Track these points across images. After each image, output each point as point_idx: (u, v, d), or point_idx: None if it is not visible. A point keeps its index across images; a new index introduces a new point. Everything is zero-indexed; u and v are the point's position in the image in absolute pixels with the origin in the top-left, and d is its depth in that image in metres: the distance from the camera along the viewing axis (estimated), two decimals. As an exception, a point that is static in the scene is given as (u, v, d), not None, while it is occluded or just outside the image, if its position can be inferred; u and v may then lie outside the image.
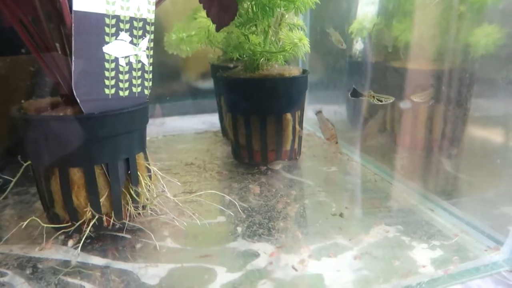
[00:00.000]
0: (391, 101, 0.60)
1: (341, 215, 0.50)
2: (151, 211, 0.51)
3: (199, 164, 0.70)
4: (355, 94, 0.62)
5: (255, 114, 0.65)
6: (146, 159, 0.51)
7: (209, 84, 1.00)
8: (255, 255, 0.43)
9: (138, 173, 0.49)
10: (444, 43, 0.63)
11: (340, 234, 0.47)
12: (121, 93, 0.46)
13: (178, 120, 1.03)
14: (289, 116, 0.65)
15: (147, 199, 0.50)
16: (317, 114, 0.64)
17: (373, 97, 0.59)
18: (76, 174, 0.46)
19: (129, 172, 0.48)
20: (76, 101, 0.43)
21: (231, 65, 0.76)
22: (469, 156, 0.58)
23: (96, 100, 0.44)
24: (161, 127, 0.96)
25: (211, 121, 0.99)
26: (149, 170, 0.51)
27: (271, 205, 0.54)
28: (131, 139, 0.48)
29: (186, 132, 0.92)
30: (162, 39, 0.77)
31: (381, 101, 0.59)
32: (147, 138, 0.87)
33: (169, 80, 1.08)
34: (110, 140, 0.46)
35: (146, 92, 0.50)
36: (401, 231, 0.47)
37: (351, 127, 0.82)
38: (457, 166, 0.59)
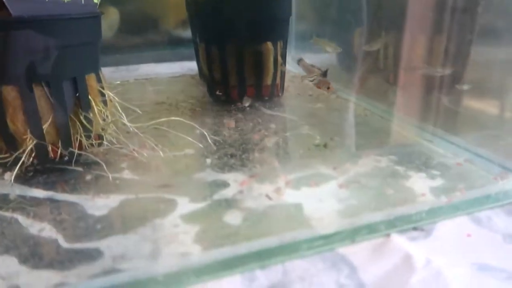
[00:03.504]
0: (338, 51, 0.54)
1: (325, 145, 0.44)
2: (108, 142, 0.44)
3: (170, 103, 0.62)
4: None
5: (231, 43, 0.57)
6: (100, 81, 0.43)
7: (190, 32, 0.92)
8: (224, 185, 0.37)
9: (90, 97, 0.42)
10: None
11: (324, 164, 0.40)
12: (62, -4, 0.38)
13: (153, 66, 0.94)
14: (270, 45, 0.58)
15: (102, 128, 0.43)
16: (299, 63, 0.57)
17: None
18: (10, 94, 0.38)
19: (77, 95, 0.41)
20: (3, 3, 0.35)
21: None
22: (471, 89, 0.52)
23: (27, 2, 0.36)
24: (134, 72, 0.88)
25: (189, 66, 0.91)
26: (103, 95, 0.43)
27: (246, 138, 0.47)
28: (78, 55, 0.40)
29: (160, 76, 0.84)
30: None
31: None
32: (117, 82, 0.80)
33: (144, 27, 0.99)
34: (49, 53, 0.38)
35: (95, 0, 0.41)
36: (394, 161, 0.41)
37: (341, 69, 0.75)
38: (457, 99, 0.52)
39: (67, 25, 0.39)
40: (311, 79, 0.55)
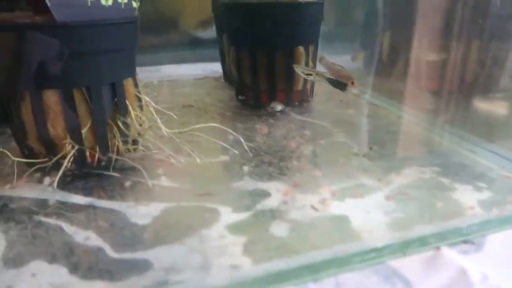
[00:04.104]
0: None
1: (365, 155, 0.43)
2: (144, 147, 0.43)
3: (198, 106, 0.62)
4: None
5: (262, 47, 0.56)
6: (136, 86, 0.43)
7: (210, 32, 0.91)
8: (265, 194, 0.36)
9: (127, 102, 0.42)
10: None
11: (366, 174, 0.39)
12: (103, 1, 0.38)
13: (175, 67, 0.94)
14: (301, 50, 0.57)
15: (139, 133, 0.43)
16: (321, 62, 0.56)
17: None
18: (51, 99, 0.38)
19: (115, 100, 0.40)
20: (48, 9, 0.35)
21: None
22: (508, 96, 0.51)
23: (72, 6, 0.36)
24: (155, 74, 0.88)
25: (212, 68, 0.90)
26: (139, 100, 0.43)
27: (282, 145, 0.46)
28: (117, 60, 0.40)
29: (183, 78, 0.83)
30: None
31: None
32: (141, 83, 0.80)
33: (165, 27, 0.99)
34: (90, 58, 0.38)
35: (135, 4, 0.41)
36: (438, 172, 0.40)
37: (368, 72, 0.73)
38: (497, 107, 0.51)
39: (108, 31, 0.38)
40: (306, 72, 0.53)
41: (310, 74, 0.52)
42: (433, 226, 0.32)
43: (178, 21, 1.02)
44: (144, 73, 0.94)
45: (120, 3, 0.40)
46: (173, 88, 0.75)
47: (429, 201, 0.35)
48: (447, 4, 0.57)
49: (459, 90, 0.56)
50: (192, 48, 1.02)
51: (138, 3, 0.42)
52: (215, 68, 0.86)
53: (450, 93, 0.56)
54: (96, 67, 0.38)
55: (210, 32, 0.96)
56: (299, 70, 0.53)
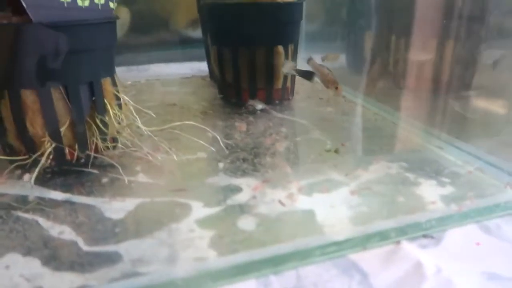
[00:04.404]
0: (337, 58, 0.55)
1: (336, 151, 0.45)
2: (122, 144, 0.44)
3: (182, 105, 0.63)
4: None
5: (243, 46, 0.57)
6: (115, 85, 0.44)
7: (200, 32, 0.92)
8: (237, 189, 0.37)
9: (105, 100, 0.43)
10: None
11: (335, 170, 0.41)
12: (79, 2, 0.39)
13: (164, 66, 0.95)
14: (280, 49, 0.58)
15: (117, 131, 0.44)
16: (309, 63, 0.57)
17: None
18: (29, 97, 0.39)
19: (93, 98, 0.42)
20: (24, 9, 0.36)
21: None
22: (480, 95, 0.52)
23: (48, 8, 0.37)
24: (144, 73, 0.89)
25: (200, 67, 0.91)
26: (118, 98, 0.44)
27: (258, 142, 0.48)
28: (95, 59, 0.41)
29: (171, 77, 0.84)
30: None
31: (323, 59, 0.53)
32: (128, 82, 0.81)
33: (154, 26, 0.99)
34: (68, 58, 0.39)
35: (112, 5, 0.42)
36: (404, 167, 0.41)
37: (350, 71, 0.75)
38: (467, 106, 0.52)
39: (85, 31, 0.39)
40: (325, 83, 0.55)
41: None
42: (394, 221, 0.33)
43: (168, 20, 1.03)
44: (133, 72, 0.96)
45: (97, 4, 0.41)
46: (159, 87, 0.76)
47: (392, 196, 0.36)
48: (425, 5, 0.58)
49: (432, 88, 0.57)
50: (182, 47, 1.03)
51: (116, 4, 0.43)
52: (203, 67, 0.87)
53: (423, 91, 0.57)
54: (73, 66, 0.40)
55: (199, 32, 0.97)
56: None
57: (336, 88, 0.54)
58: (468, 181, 0.39)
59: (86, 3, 0.39)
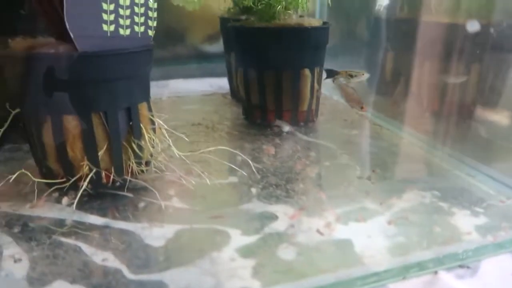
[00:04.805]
0: (365, 78, 0.56)
1: (368, 178, 0.45)
2: (156, 168, 0.45)
3: (207, 125, 0.64)
4: (331, 74, 0.57)
5: (270, 69, 0.58)
6: (150, 110, 0.45)
7: (217, 47, 0.93)
8: (273, 217, 0.38)
9: (141, 125, 0.44)
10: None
11: (368, 198, 0.41)
12: (121, 31, 0.40)
13: (183, 82, 0.96)
14: (307, 72, 0.59)
15: (151, 155, 0.45)
16: (334, 81, 0.58)
17: (346, 72, 0.54)
18: (71, 123, 0.40)
19: (130, 123, 0.43)
20: (71, 39, 0.37)
21: (243, 17, 0.69)
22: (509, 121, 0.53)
23: (93, 37, 0.38)
24: (164, 89, 0.90)
25: (219, 84, 0.92)
26: (153, 123, 0.45)
27: (288, 167, 0.48)
28: (133, 85, 0.42)
29: (192, 94, 0.85)
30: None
31: (351, 76, 0.54)
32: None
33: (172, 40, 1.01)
34: (108, 85, 0.40)
35: (150, 33, 0.43)
36: (437, 196, 0.42)
37: (372, 91, 0.75)
38: (497, 130, 0.53)
39: (125, 59, 0.41)
40: (350, 103, 0.55)
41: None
42: (432, 251, 0.33)
43: (185, 35, 1.04)
44: (152, 88, 0.97)
45: (137, 32, 0.42)
46: (181, 104, 0.77)
47: (428, 226, 0.37)
48: (449, 29, 0.59)
49: (459, 112, 0.58)
50: (199, 62, 1.04)
51: (154, 32, 0.44)
52: (222, 83, 0.88)
53: (450, 115, 0.58)
54: (113, 93, 0.41)
55: (217, 47, 0.98)
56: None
57: (362, 108, 0.55)
58: (501, 211, 0.39)
59: (128, 32, 0.41)
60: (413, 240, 0.35)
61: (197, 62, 1.03)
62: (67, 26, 0.37)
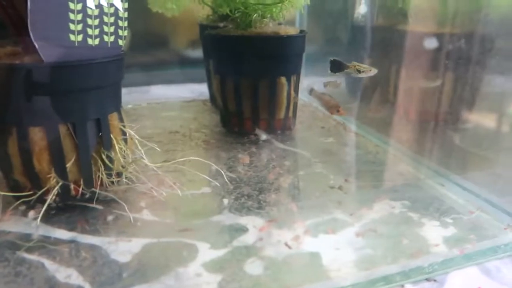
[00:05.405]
0: (372, 73, 0.55)
1: (340, 187, 0.45)
2: (127, 179, 0.45)
3: (184, 133, 0.64)
4: (337, 67, 0.54)
5: (246, 77, 0.58)
6: (121, 120, 0.45)
7: (199, 52, 0.93)
8: (243, 230, 0.38)
9: (112, 136, 0.43)
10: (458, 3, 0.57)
11: (339, 208, 0.41)
12: (90, 41, 0.40)
13: (164, 88, 0.96)
14: (283, 80, 0.59)
15: (122, 166, 0.44)
16: (311, 94, 0.58)
17: (355, 67, 0.53)
18: (37, 134, 0.39)
19: (100, 134, 0.42)
20: (36, 48, 0.37)
21: (221, 25, 0.69)
22: (482, 129, 0.53)
23: (59, 47, 0.38)
24: (145, 95, 0.89)
25: (200, 90, 0.92)
26: (124, 133, 0.45)
27: (261, 176, 0.48)
28: (103, 96, 0.42)
29: (172, 100, 0.85)
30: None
31: (359, 71, 0.53)
32: (129, 106, 0.82)
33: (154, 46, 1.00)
34: (76, 96, 0.39)
35: (121, 42, 0.43)
36: (408, 206, 0.42)
37: (350, 98, 0.76)
38: (469, 139, 0.53)
39: (94, 69, 0.40)
40: (328, 109, 0.54)
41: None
42: (399, 265, 0.34)
43: (168, 40, 1.04)
44: (134, 94, 0.96)
45: (107, 42, 0.41)
46: (160, 111, 0.77)
47: (396, 238, 0.37)
48: (423, 37, 0.60)
49: (434, 120, 0.58)
50: (182, 67, 1.03)
51: (124, 41, 0.43)
52: (204, 89, 0.88)
53: (425, 124, 0.58)
54: (81, 104, 0.40)
55: (199, 52, 0.98)
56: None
57: (338, 111, 0.54)
58: (470, 221, 0.40)
59: (96, 42, 0.40)
60: (380, 253, 0.35)
61: (180, 68, 1.03)
62: (32, 37, 0.36)
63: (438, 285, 0.33)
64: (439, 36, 0.58)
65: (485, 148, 0.51)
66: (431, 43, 0.56)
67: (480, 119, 0.54)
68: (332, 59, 0.52)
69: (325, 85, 0.61)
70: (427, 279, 0.34)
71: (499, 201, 0.42)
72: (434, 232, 0.38)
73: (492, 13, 0.52)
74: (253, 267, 0.33)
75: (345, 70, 0.53)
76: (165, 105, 0.81)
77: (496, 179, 0.45)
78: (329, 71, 0.55)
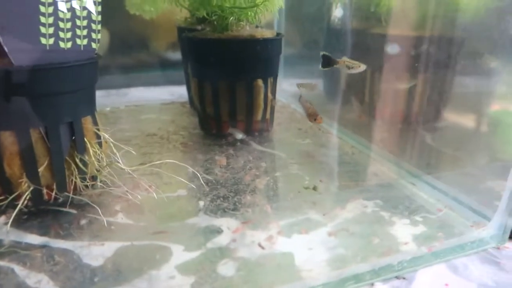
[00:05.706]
0: (362, 69, 0.55)
1: (314, 188, 0.46)
2: (101, 183, 0.44)
3: (162, 135, 0.63)
4: (328, 62, 0.55)
5: (223, 79, 0.58)
6: (95, 123, 0.44)
7: (178, 55, 0.93)
8: (218, 231, 0.38)
9: (85, 139, 0.43)
10: (429, 7, 0.58)
11: (313, 208, 0.42)
12: (62, 44, 0.39)
13: (143, 91, 0.95)
14: (260, 82, 0.59)
15: (97, 170, 0.44)
16: (300, 100, 0.58)
17: (344, 62, 0.54)
18: (8, 139, 0.39)
19: (73, 138, 0.42)
20: (6, 52, 0.36)
21: (199, 27, 0.69)
22: (453, 129, 0.55)
23: (30, 51, 0.37)
24: (123, 98, 0.89)
25: (180, 92, 0.92)
26: (98, 137, 0.44)
27: (238, 178, 0.48)
28: (76, 99, 0.41)
29: (151, 103, 0.85)
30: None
31: (348, 67, 0.54)
32: (107, 109, 0.81)
33: (134, 48, 0.99)
34: (48, 99, 0.39)
35: (94, 45, 0.43)
36: (380, 206, 0.43)
37: (327, 100, 0.77)
38: (440, 139, 0.55)
39: (66, 73, 0.40)
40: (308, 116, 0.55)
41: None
42: (368, 263, 0.34)
43: (148, 42, 1.03)
44: (112, 97, 0.96)
45: (80, 45, 0.41)
46: (139, 114, 0.76)
47: (368, 237, 0.38)
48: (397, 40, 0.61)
49: (407, 120, 0.60)
50: (162, 69, 1.03)
51: (98, 45, 0.43)
52: (183, 91, 0.88)
53: (397, 124, 0.60)
54: (53, 107, 0.40)
55: (179, 55, 0.97)
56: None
57: (315, 119, 0.55)
58: (438, 219, 0.41)
59: (69, 45, 0.40)
60: (352, 252, 0.36)
61: (159, 70, 1.03)
62: (1, 40, 0.35)
63: (407, 283, 0.34)
64: (410, 39, 0.59)
65: (456, 148, 0.53)
66: (397, 47, 0.57)
67: (452, 119, 0.56)
68: (322, 53, 0.54)
69: (299, 86, 0.61)
70: (397, 277, 0.34)
71: (466, 199, 0.43)
72: (404, 231, 0.39)
73: (460, 17, 0.53)
74: (226, 268, 0.33)
75: (335, 66, 0.54)
76: (144, 107, 0.81)
77: (465, 178, 0.47)
78: (320, 67, 0.55)
